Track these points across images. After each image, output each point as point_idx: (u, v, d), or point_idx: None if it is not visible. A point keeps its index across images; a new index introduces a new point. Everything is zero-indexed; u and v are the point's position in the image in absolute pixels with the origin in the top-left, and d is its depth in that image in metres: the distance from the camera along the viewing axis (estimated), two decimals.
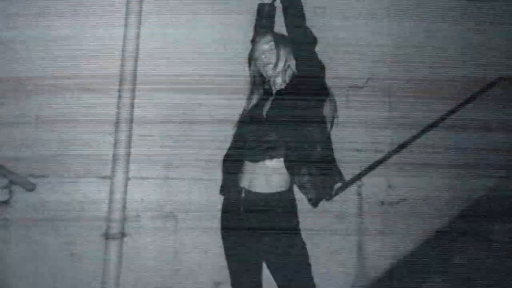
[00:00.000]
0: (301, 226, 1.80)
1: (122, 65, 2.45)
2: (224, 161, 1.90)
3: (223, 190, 1.90)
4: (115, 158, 2.43)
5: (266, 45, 1.88)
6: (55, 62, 2.46)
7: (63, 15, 2.49)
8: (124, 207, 2.43)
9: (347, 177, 2.16)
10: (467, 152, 2.79)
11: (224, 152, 1.92)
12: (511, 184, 2.82)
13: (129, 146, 2.44)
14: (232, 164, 1.86)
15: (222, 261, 1.89)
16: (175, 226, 2.50)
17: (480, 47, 2.85)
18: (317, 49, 1.84)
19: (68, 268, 2.41)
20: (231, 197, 1.85)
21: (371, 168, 2.63)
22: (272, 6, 2.07)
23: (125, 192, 2.43)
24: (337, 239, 2.62)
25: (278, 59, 1.85)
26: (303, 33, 1.84)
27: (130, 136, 2.45)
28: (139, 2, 2.48)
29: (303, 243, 1.77)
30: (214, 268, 2.45)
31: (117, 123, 2.44)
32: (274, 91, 1.89)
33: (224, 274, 1.93)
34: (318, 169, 1.76)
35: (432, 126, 2.72)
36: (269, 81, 1.91)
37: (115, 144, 2.43)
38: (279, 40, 1.88)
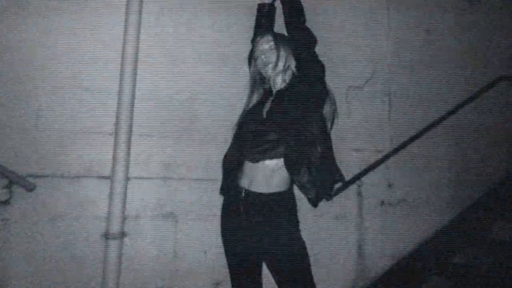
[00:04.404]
0: (301, 226, 1.80)
1: (122, 65, 2.45)
2: (224, 161, 1.90)
3: (223, 190, 1.90)
4: (115, 158, 2.42)
5: (266, 45, 1.88)
6: (56, 63, 2.46)
7: (64, 15, 2.49)
8: (124, 207, 2.43)
9: (347, 177, 2.16)
10: (467, 153, 2.79)
11: (224, 152, 1.91)
12: (511, 184, 2.82)
13: (129, 146, 2.45)
14: (232, 164, 1.86)
15: (222, 261, 1.88)
16: (175, 226, 2.50)
17: (480, 47, 2.85)
18: (317, 49, 1.84)
19: (68, 268, 2.41)
20: (231, 197, 1.85)
21: (371, 168, 2.63)
22: (272, 6, 2.07)
23: (125, 192, 2.43)
24: (337, 239, 2.62)
25: (278, 59, 1.85)
26: (303, 33, 1.84)
27: (130, 136, 2.45)
28: (139, 2, 2.48)
29: (303, 243, 1.77)
30: (214, 268, 2.45)
31: (117, 123, 2.44)
32: (274, 91, 1.89)
33: (224, 274, 1.93)
34: (318, 169, 1.76)
35: (432, 126, 2.72)
36: (269, 81, 1.90)
37: (115, 144, 2.43)
38: (279, 40, 1.88)
